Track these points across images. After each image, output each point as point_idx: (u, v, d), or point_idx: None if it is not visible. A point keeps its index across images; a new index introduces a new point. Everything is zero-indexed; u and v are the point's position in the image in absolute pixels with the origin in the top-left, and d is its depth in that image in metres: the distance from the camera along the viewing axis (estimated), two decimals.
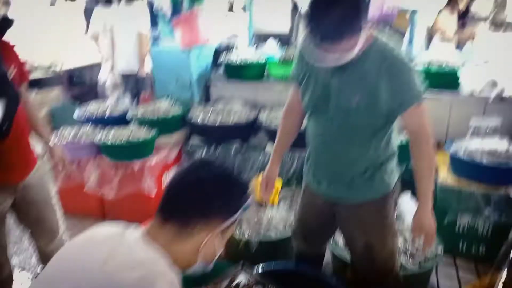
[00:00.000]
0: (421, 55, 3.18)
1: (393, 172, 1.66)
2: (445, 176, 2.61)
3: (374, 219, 1.65)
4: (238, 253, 2.35)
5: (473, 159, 2.44)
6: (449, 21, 5.30)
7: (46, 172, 2.09)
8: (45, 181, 2.02)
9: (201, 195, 1.01)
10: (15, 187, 1.87)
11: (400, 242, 2.26)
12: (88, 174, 3.04)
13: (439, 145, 2.86)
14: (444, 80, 2.87)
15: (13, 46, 1.90)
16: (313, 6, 1.29)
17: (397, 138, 1.66)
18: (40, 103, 4.60)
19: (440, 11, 4.86)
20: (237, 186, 1.07)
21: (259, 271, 1.90)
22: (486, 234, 2.50)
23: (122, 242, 0.97)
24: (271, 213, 2.60)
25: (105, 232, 1.03)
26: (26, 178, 1.90)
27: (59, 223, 2.10)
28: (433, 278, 2.39)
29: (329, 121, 1.56)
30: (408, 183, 2.55)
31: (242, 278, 1.87)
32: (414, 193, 2.39)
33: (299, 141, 1.86)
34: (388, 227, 1.68)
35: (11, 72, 1.79)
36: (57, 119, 4.72)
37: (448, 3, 5.00)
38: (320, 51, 1.33)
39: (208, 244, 1.03)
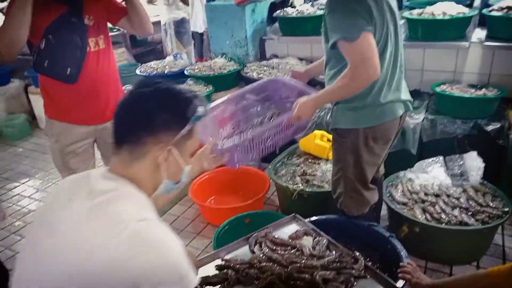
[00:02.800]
0: None
1: (363, 114, 1.73)
2: None
3: (335, 144, 1.89)
4: (291, 204, 2.38)
5: None
6: None
7: None
8: None
9: (142, 111, 1.00)
10: (94, 127, 2.04)
11: (463, 199, 2.17)
12: None
13: None
14: None
15: None
16: None
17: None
18: None
19: None
20: (179, 98, 1.03)
21: (311, 222, 1.92)
22: None
23: (90, 180, 0.99)
24: (326, 167, 2.57)
25: (73, 177, 1.06)
26: (105, 123, 2.05)
27: None
28: (498, 238, 2.26)
29: None
30: (475, 143, 2.42)
31: (294, 228, 1.90)
32: (479, 153, 2.26)
33: None
34: (343, 156, 1.84)
35: (89, 22, 1.93)
36: (123, 78, 4.98)
37: None
38: None
39: (167, 159, 1.02)
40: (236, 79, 3.34)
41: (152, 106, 0.99)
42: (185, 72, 3.34)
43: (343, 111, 1.77)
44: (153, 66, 3.62)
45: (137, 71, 3.62)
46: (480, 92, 2.59)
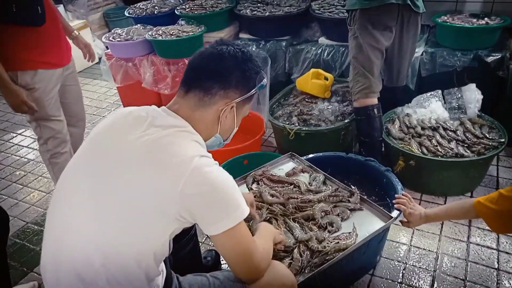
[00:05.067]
0: None
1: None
2: None
3: (348, 36, 2.19)
4: (289, 144, 2.38)
5: None
6: None
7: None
8: (76, 72, 2.18)
9: (220, 67, 1.07)
10: (62, 70, 2.00)
11: (460, 131, 2.17)
12: (145, 71, 3.12)
13: None
14: None
15: None
16: None
17: None
18: (94, 5, 4.64)
19: None
20: (252, 64, 1.12)
21: (308, 159, 1.93)
22: None
23: (152, 113, 1.07)
24: (323, 105, 2.54)
25: (132, 109, 1.11)
26: (67, 65, 2.03)
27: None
28: (493, 169, 2.29)
29: None
30: (474, 75, 2.38)
31: (290, 166, 1.92)
32: (478, 86, 2.23)
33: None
34: (351, 43, 2.15)
35: None
36: (111, 21, 4.80)
37: None
38: None
39: (226, 115, 1.11)
40: (229, 18, 3.20)
41: (230, 63, 1.08)
42: (176, 12, 3.19)
43: None
44: (142, 7, 3.45)
45: (126, 13, 3.46)
46: (483, 22, 2.49)
